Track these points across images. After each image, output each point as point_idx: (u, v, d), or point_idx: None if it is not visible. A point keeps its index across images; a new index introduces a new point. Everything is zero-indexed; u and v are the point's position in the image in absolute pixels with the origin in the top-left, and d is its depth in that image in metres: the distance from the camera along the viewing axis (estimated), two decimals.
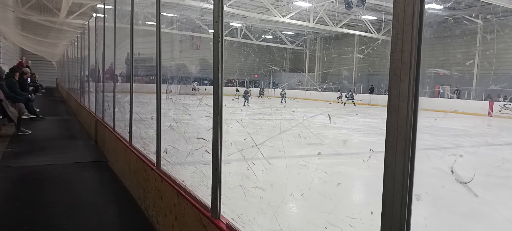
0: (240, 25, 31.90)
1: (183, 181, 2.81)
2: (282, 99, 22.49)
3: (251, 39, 33.51)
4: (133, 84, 4.65)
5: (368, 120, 13.77)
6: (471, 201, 3.62)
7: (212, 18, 2.14)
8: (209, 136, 2.25)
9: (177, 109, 3.45)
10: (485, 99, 20.71)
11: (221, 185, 2.17)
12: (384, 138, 1.13)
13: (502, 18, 18.39)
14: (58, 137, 8.30)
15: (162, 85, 3.37)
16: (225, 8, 2.20)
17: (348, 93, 21.60)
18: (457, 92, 21.97)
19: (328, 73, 34.75)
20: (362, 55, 32.03)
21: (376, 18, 26.21)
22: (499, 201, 4.49)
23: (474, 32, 23.09)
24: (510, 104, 18.00)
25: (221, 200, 2.18)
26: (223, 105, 2.17)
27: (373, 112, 15.37)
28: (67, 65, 19.71)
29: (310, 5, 23.16)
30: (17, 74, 9.54)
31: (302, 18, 24.54)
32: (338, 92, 23.42)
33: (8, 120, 7.66)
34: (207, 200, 2.28)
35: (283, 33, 35.11)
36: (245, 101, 17.87)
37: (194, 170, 2.77)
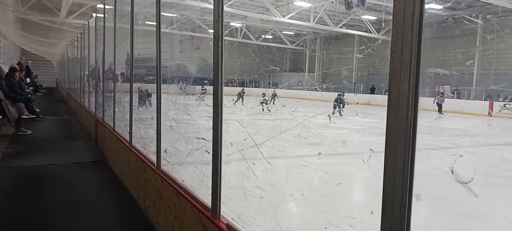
0: (240, 25, 31.90)
1: (183, 181, 2.81)
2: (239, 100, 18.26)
3: (251, 39, 33.50)
4: (133, 84, 4.65)
5: (368, 120, 13.75)
6: (471, 201, 3.62)
7: (212, 18, 2.14)
8: (209, 136, 2.25)
9: (177, 110, 3.46)
10: (485, 99, 20.69)
11: (221, 185, 2.17)
12: (384, 138, 1.13)
13: (502, 18, 18.38)
14: (58, 137, 8.30)
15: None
16: (225, 8, 2.20)
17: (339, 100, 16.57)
18: (457, 92, 21.96)
19: (328, 73, 34.74)
20: (362, 55, 32.03)
21: (376, 18, 26.21)
22: (499, 201, 4.49)
23: (474, 32, 23.09)
24: (510, 104, 17.99)
25: (221, 200, 2.18)
26: (223, 105, 2.17)
27: (373, 113, 15.36)
28: (67, 65, 19.71)
29: (310, 5, 23.16)
30: (17, 74, 9.54)
31: (302, 18, 24.54)
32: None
33: (8, 120, 7.66)
34: (207, 200, 2.28)
35: (283, 33, 35.10)
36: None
37: (194, 170, 2.77)
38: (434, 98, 18.19)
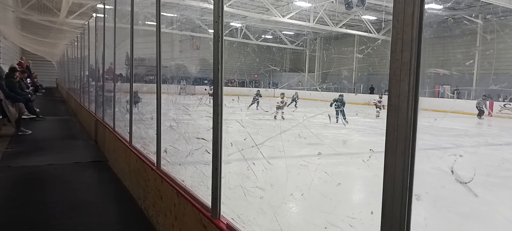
0: (240, 25, 31.89)
1: (183, 181, 2.81)
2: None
3: (251, 39, 33.50)
4: (133, 84, 4.65)
5: (368, 120, 13.77)
6: (471, 201, 3.62)
7: (212, 18, 2.14)
8: (209, 136, 2.25)
9: (177, 110, 3.46)
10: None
11: (221, 185, 2.18)
12: (384, 138, 1.13)
13: (502, 18, 18.37)
14: (58, 137, 8.30)
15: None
16: (225, 8, 2.20)
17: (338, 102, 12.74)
18: (457, 92, 21.95)
19: (328, 73, 34.74)
20: (362, 55, 32.03)
21: (376, 18, 26.20)
22: (499, 201, 4.49)
23: (474, 32, 23.07)
24: (510, 104, 17.98)
25: (221, 200, 2.18)
26: (223, 105, 2.17)
27: (373, 112, 15.38)
28: (67, 65, 19.71)
29: (310, 5, 23.16)
30: (18, 74, 9.54)
31: (302, 18, 24.53)
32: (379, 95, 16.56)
33: (8, 120, 7.66)
34: (207, 200, 2.28)
35: (283, 33, 35.10)
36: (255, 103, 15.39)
37: (194, 170, 2.77)
38: (477, 101, 17.48)
